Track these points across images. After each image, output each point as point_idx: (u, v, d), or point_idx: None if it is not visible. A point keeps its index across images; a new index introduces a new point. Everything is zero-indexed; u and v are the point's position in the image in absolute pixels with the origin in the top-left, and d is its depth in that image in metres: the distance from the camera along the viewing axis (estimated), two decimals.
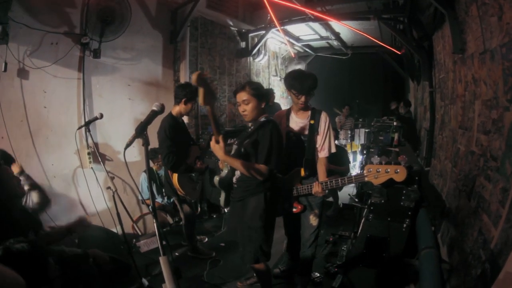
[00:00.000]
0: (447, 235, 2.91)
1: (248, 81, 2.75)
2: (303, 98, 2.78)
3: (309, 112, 2.90)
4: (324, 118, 2.87)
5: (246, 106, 2.53)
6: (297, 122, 2.93)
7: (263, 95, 2.62)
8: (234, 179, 2.67)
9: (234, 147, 2.66)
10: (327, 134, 2.86)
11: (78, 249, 2.76)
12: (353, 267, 3.12)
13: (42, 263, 1.67)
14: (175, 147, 3.32)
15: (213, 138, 2.38)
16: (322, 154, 2.87)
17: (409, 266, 2.88)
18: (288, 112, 3.02)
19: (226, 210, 2.80)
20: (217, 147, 2.36)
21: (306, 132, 2.87)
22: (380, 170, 2.29)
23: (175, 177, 3.49)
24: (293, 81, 2.79)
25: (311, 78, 2.79)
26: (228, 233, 2.85)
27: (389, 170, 2.27)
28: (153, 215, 1.60)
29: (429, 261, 2.52)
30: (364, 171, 2.38)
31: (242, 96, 2.52)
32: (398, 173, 2.24)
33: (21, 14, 3.38)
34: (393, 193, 3.05)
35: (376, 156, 2.34)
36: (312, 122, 2.86)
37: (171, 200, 4.59)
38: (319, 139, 2.85)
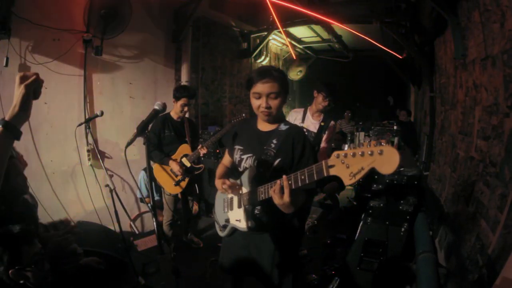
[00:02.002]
0: (444, 239, 2.92)
1: (274, 67, 1.94)
2: (326, 102, 3.39)
3: (322, 116, 3.50)
4: (333, 124, 3.49)
5: (273, 101, 1.84)
6: (311, 121, 3.51)
7: (288, 89, 1.95)
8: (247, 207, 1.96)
9: (248, 166, 1.96)
10: (331, 136, 3.47)
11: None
12: (350, 270, 3.12)
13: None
14: (157, 140, 3.62)
15: (278, 191, 1.57)
16: (323, 145, 3.43)
17: (406, 270, 2.89)
18: (304, 111, 3.60)
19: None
20: (287, 203, 1.57)
21: (316, 132, 3.46)
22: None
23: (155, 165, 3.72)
24: (326, 87, 3.40)
25: (338, 92, 3.47)
26: (231, 269, 2.26)
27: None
28: (153, 214, 1.60)
29: (426, 265, 2.52)
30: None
31: (271, 86, 1.80)
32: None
33: (24, 9, 3.38)
34: (392, 197, 3.05)
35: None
36: (322, 124, 3.46)
37: None
38: (324, 137, 3.44)
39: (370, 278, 2.99)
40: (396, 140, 3.98)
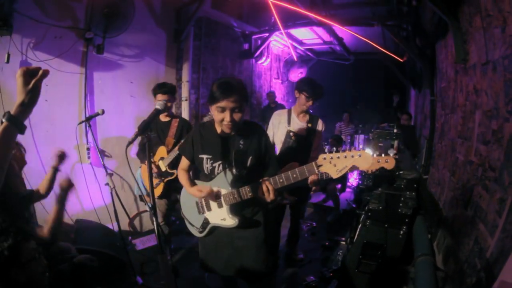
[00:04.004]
0: (443, 243, 2.92)
1: (235, 79, 2.02)
2: (310, 102, 3.22)
3: (308, 117, 3.36)
4: (321, 124, 3.35)
5: (237, 114, 1.92)
6: (297, 123, 3.34)
7: (248, 97, 2.05)
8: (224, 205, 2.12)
9: (221, 173, 2.08)
10: (321, 138, 3.37)
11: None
12: (348, 272, 3.13)
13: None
14: (145, 140, 3.45)
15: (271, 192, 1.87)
16: (315, 154, 3.24)
17: (404, 273, 2.89)
18: (289, 113, 3.41)
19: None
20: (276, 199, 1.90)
21: (304, 133, 3.30)
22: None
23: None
24: (306, 86, 3.22)
25: (321, 87, 3.26)
26: (216, 268, 2.29)
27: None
28: (153, 213, 1.61)
29: (425, 269, 2.52)
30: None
31: (235, 101, 1.88)
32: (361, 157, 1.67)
33: (27, 6, 3.38)
34: (391, 199, 3.06)
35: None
36: (310, 125, 3.32)
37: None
38: (316, 141, 3.33)
39: (368, 280, 3.00)
40: (396, 143, 3.97)
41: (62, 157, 2.72)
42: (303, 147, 3.29)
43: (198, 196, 2.13)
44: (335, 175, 1.69)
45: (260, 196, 1.89)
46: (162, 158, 3.51)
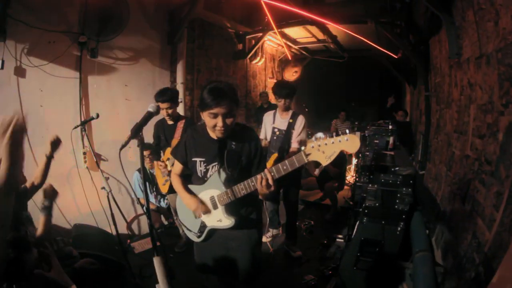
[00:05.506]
0: (441, 238, 2.93)
1: (225, 83, 2.02)
2: (282, 101, 3.70)
3: (290, 114, 3.80)
4: (300, 119, 3.74)
5: (229, 119, 1.92)
6: (280, 120, 3.85)
7: (238, 100, 2.06)
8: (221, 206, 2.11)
9: (214, 174, 2.08)
10: (300, 132, 3.71)
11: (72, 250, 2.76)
12: (347, 270, 3.12)
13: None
14: (157, 142, 3.87)
15: (264, 183, 1.82)
16: (294, 145, 3.70)
17: (403, 269, 2.89)
18: (274, 113, 3.94)
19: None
20: (271, 191, 1.88)
21: (285, 128, 3.76)
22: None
23: None
24: (275, 88, 3.78)
25: (288, 86, 3.76)
26: (211, 269, 2.37)
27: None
28: (147, 216, 1.60)
29: (423, 264, 2.52)
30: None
31: (227, 107, 1.87)
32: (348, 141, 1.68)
33: (20, 12, 3.36)
34: (387, 196, 3.05)
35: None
36: (291, 121, 3.75)
37: (165, 200, 4.58)
38: (294, 134, 3.72)
39: (366, 277, 2.99)
40: (391, 139, 3.97)
41: (56, 144, 2.63)
42: (285, 139, 3.76)
43: (192, 210, 2.16)
44: (324, 162, 1.69)
45: (258, 188, 1.87)
46: (168, 158, 3.74)
